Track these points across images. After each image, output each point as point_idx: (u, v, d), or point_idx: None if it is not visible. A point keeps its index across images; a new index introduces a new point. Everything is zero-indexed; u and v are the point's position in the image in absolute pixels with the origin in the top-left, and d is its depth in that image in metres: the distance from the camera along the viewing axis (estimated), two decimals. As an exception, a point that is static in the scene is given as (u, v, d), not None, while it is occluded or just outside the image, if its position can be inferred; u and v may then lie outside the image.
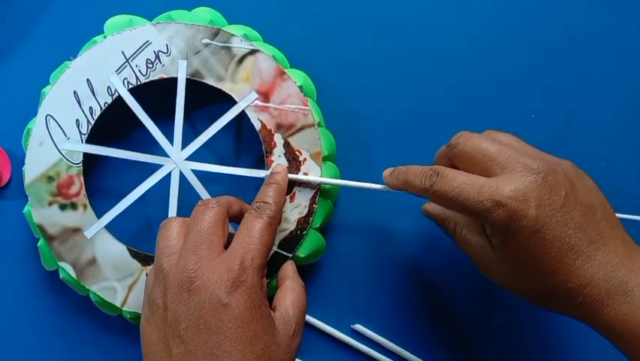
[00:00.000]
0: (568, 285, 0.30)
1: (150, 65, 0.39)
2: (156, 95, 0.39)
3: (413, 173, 0.33)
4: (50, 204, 0.39)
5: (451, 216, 0.35)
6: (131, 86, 0.39)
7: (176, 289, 0.31)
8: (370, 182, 0.38)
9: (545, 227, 0.29)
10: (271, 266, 0.39)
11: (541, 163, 0.30)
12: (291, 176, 0.38)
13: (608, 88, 0.44)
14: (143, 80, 0.39)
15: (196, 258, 0.31)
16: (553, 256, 0.30)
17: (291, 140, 0.39)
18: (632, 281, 0.29)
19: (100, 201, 0.40)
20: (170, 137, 0.40)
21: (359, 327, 0.42)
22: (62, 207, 0.39)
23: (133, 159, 0.39)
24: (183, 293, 0.30)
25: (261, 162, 0.39)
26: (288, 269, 0.37)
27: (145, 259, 0.39)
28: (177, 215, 0.39)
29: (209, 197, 0.39)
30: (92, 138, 0.39)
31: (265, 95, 0.39)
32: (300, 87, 0.39)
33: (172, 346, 0.30)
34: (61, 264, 0.39)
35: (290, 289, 0.35)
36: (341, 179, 0.40)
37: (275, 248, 0.39)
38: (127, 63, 0.39)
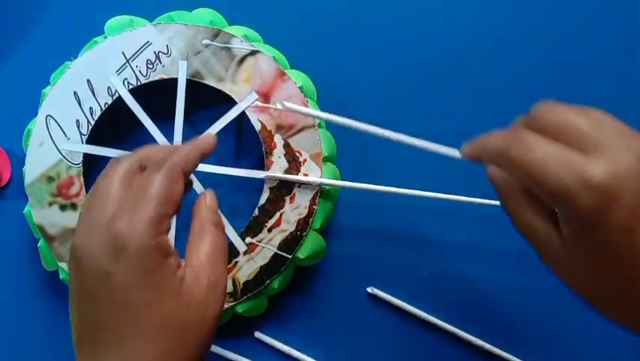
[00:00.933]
0: None
1: (150, 66, 0.39)
2: (156, 95, 0.39)
3: (493, 136, 0.27)
4: (50, 204, 0.39)
5: (514, 193, 0.28)
6: (131, 87, 0.39)
7: (70, 257, 0.28)
8: (371, 183, 0.38)
9: None
10: (271, 268, 0.39)
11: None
12: (292, 177, 0.38)
13: (609, 88, 0.43)
14: (143, 80, 0.39)
15: (84, 222, 0.28)
16: None
17: (291, 141, 0.39)
18: None
19: (100, 202, 0.40)
20: (170, 137, 0.40)
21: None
22: (62, 207, 0.39)
23: (133, 159, 0.39)
24: (71, 262, 0.28)
25: (261, 163, 0.39)
26: (200, 207, 0.31)
27: (145, 260, 0.39)
28: (177, 216, 0.39)
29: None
30: (92, 138, 0.39)
31: (265, 96, 0.39)
32: (301, 88, 0.39)
33: (73, 319, 0.28)
34: (62, 264, 0.39)
35: (199, 235, 0.30)
36: (341, 180, 0.40)
37: (274, 249, 0.39)
38: (127, 64, 0.39)
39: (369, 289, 0.41)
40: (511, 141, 0.25)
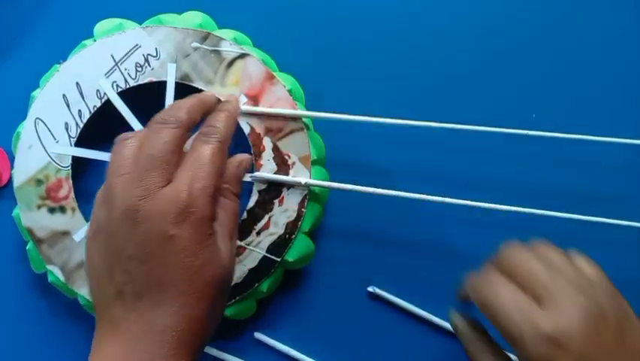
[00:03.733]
0: None
1: (139, 69, 0.39)
2: (145, 98, 0.39)
3: (476, 279, 0.31)
4: (39, 207, 0.39)
5: (475, 340, 0.32)
6: (120, 90, 0.39)
7: (121, 216, 0.29)
8: (360, 185, 0.38)
9: None
10: (260, 272, 0.39)
11: (592, 302, 0.28)
12: (278, 177, 0.38)
13: (609, 88, 0.43)
14: (132, 83, 0.39)
15: (144, 185, 0.29)
16: None
17: (279, 144, 0.39)
18: None
19: (89, 205, 0.39)
20: (159, 140, 0.39)
21: None
22: (51, 210, 0.39)
23: (122, 162, 0.39)
24: (128, 222, 0.29)
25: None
26: (232, 166, 0.35)
27: (133, 263, 0.39)
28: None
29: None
30: (81, 141, 0.39)
31: (254, 99, 0.39)
32: (289, 91, 0.39)
33: (115, 273, 0.29)
34: (50, 267, 0.39)
35: (225, 194, 0.33)
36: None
37: (263, 252, 0.39)
38: (116, 67, 0.39)
39: (370, 289, 0.41)
40: (481, 279, 0.30)
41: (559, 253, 0.31)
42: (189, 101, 0.34)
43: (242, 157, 0.36)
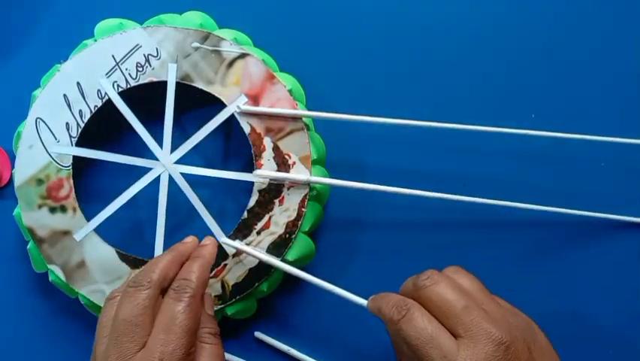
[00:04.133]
0: None
1: (140, 69, 0.39)
2: (146, 98, 0.39)
3: (387, 300, 0.32)
4: (40, 206, 0.39)
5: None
6: (120, 90, 0.39)
7: None
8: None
9: None
10: (260, 271, 0.39)
11: (503, 333, 0.29)
12: (281, 174, 0.39)
13: (609, 88, 0.43)
14: (132, 83, 0.39)
15: (118, 352, 0.30)
16: None
17: (280, 143, 0.39)
18: None
19: (89, 204, 0.40)
20: (159, 140, 0.40)
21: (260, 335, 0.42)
22: (52, 210, 0.39)
23: (122, 162, 0.40)
24: None
25: (250, 165, 0.39)
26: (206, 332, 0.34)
27: (134, 263, 0.39)
28: (166, 218, 0.39)
29: (197, 201, 0.39)
30: (82, 141, 0.39)
31: (255, 99, 0.39)
32: (290, 91, 0.39)
33: None
34: (51, 267, 0.39)
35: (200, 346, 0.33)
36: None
37: (264, 253, 0.39)
38: (117, 66, 0.39)
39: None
40: (401, 312, 0.30)
41: (470, 279, 0.33)
42: (165, 258, 0.34)
43: (207, 297, 0.35)
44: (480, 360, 0.29)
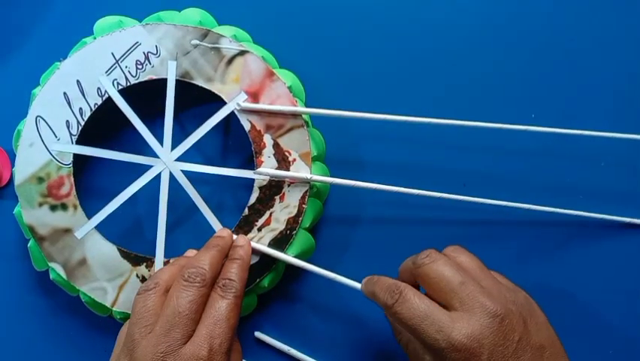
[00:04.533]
0: None
1: (140, 66, 0.39)
2: (146, 96, 0.39)
3: (380, 285, 0.33)
4: (41, 205, 0.39)
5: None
6: (120, 87, 0.39)
7: None
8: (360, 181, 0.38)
9: None
10: (261, 267, 0.39)
11: (499, 305, 0.30)
12: (284, 172, 0.39)
13: (609, 88, 0.43)
14: (132, 81, 0.39)
15: (168, 341, 0.31)
16: None
17: (280, 140, 0.39)
18: None
19: (90, 202, 0.40)
20: (159, 138, 0.40)
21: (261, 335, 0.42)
22: (53, 207, 0.39)
23: (123, 159, 0.40)
24: None
25: (250, 162, 0.40)
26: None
27: (135, 260, 0.39)
28: (167, 215, 0.39)
29: (198, 198, 0.39)
30: (82, 138, 0.40)
31: (254, 96, 0.39)
32: (289, 88, 0.40)
33: None
34: (52, 265, 0.39)
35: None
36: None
37: (265, 248, 0.39)
38: (116, 64, 0.39)
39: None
40: (394, 296, 0.32)
41: (468, 257, 0.34)
42: (212, 255, 0.35)
43: None
44: (475, 330, 0.30)
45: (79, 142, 0.39)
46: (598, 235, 0.42)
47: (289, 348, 0.41)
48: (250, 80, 0.39)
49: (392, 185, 0.39)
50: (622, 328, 0.42)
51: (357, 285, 0.35)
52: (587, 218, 0.41)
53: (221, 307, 0.33)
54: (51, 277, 0.40)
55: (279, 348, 0.42)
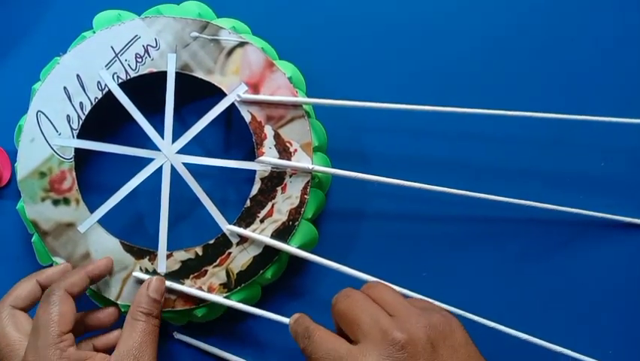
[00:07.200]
0: None
1: (139, 60, 0.39)
2: (146, 89, 0.39)
3: (296, 327, 0.34)
4: (43, 199, 0.39)
5: None
6: (120, 81, 0.39)
7: None
8: (361, 173, 0.38)
9: None
10: (264, 258, 0.39)
11: (402, 333, 0.30)
12: (285, 162, 0.39)
13: (608, 88, 0.43)
14: (132, 74, 0.39)
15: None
16: None
17: (281, 131, 0.39)
18: None
19: (92, 196, 0.40)
20: (160, 131, 0.40)
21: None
22: (55, 202, 0.39)
23: (124, 153, 0.40)
24: None
25: (251, 154, 0.40)
26: (140, 293, 0.37)
27: (138, 253, 0.39)
28: (169, 208, 0.39)
29: (200, 190, 0.39)
30: (83, 133, 0.40)
31: (255, 87, 0.39)
32: (290, 79, 0.40)
33: None
34: (55, 259, 0.39)
35: (130, 323, 0.36)
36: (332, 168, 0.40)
37: (267, 239, 0.39)
38: (116, 58, 0.39)
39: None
40: (304, 340, 0.33)
41: (383, 289, 0.34)
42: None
43: (156, 280, 0.38)
44: (410, 334, 0.30)
45: (80, 136, 0.39)
46: (598, 234, 0.42)
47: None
48: (250, 72, 0.39)
49: (395, 177, 0.39)
50: (622, 328, 0.42)
51: (286, 320, 0.36)
52: (589, 217, 0.41)
53: (42, 306, 0.35)
54: (55, 271, 0.40)
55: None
